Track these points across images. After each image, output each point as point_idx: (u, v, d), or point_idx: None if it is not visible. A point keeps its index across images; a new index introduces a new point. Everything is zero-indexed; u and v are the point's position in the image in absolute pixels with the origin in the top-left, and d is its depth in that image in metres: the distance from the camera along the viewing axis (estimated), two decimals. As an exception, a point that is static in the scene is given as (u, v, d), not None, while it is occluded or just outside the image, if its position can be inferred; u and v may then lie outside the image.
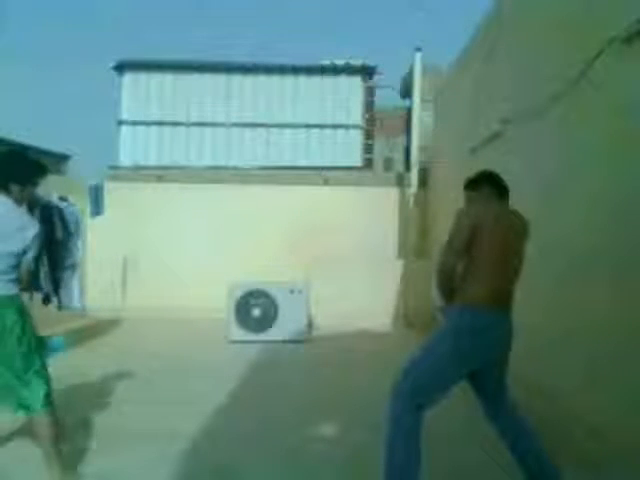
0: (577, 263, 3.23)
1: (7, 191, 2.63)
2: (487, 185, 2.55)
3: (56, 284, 5.26)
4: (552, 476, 2.33)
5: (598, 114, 3.06)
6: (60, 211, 5.30)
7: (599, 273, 2.97)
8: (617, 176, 2.84)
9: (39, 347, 2.64)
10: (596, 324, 2.96)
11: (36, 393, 2.53)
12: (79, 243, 5.68)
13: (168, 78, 9.72)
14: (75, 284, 5.58)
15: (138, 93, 9.73)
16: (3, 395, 2.57)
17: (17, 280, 2.58)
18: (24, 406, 2.55)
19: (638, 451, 2.51)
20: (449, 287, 2.38)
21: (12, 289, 2.54)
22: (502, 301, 2.35)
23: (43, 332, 6.26)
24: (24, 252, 2.58)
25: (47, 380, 2.59)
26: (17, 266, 2.57)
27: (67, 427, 2.95)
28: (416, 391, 2.27)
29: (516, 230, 2.43)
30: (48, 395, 2.56)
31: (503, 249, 2.33)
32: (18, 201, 2.68)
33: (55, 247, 5.13)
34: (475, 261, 2.32)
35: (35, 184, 2.77)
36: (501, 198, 2.54)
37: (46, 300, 5.22)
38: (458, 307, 2.35)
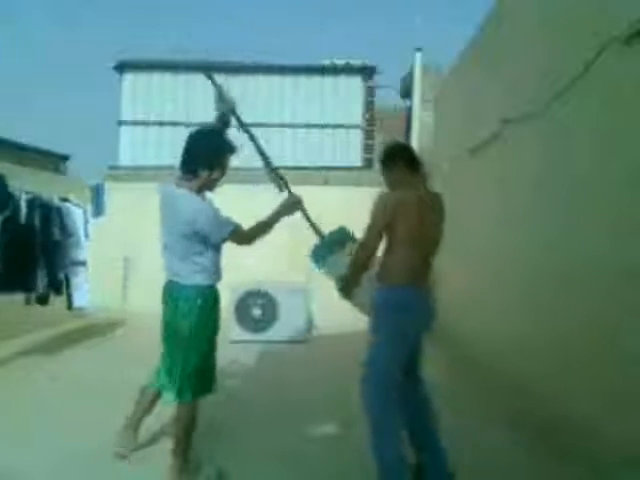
0: (576, 263, 3.23)
1: (195, 176, 2.53)
2: (401, 160, 2.67)
3: (57, 284, 5.27)
4: (439, 456, 2.54)
5: (597, 114, 3.06)
6: (59, 211, 5.30)
7: (603, 273, 2.97)
8: (616, 174, 2.84)
9: (201, 340, 2.59)
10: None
11: (176, 383, 2.57)
12: (84, 243, 5.70)
13: (168, 78, 9.71)
14: (84, 284, 5.61)
15: (138, 93, 9.72)
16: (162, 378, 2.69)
17: (203, 269, 2.53)
18: (165, 391, 2.66)
19: (635, 449, 2.51)
20: (365, 268, 2.54)
21: (194, 279, 2.53)
22: (421, 280, 2.55)
23: (43, 333, 6.28)
24: (205, 241, 2.49)
25: (192, 375, 2.56)
26: (202, 256, 2.52)
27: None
28: (382, 378, 2.46)
29: (434, 211, 2.59)
30: (187, 389, 2.56)
31: (422, 231, 2.48)
32: (205, 187, 2.59)
33: (54, 247, 5.14)
34: (395, 244, 2.48)
35: (224, 167, 2.61)
36: (415, 171, 2.66)
37: (43, 300, 5.22)
38: (383, 289, 2.53)
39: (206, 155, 2.55)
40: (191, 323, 2.52)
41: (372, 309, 2.57)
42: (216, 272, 2.66)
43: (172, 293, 2.58)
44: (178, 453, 2.63)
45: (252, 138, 2.90)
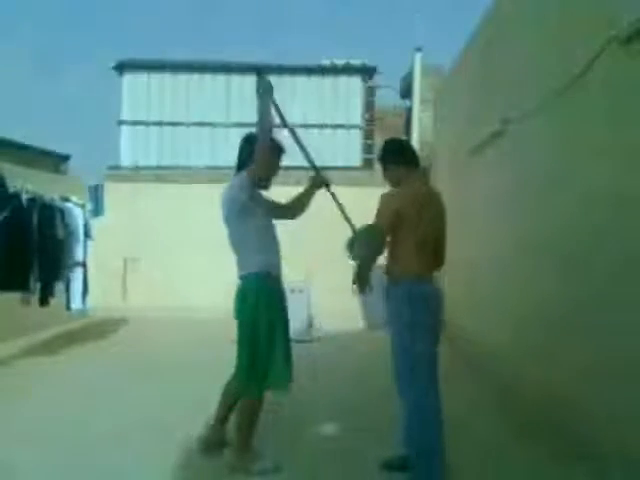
0: (574, 262, 3.23)
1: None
2: (400, 156, 2.74)
3: (52, 285, 5.26)
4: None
5: (597, 113, 3.06)
6: (58, 211, 5.30)
7: (600, 270, 2.97)
8: (615, 175, 2.84)
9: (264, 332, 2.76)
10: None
11: (245, 375, 2.71)
12: (82, 243, 5.70)
13: (168, 78, 9.71)
14: (79, 286, 5.61)
15: (138, 93, 9.72)
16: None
17: (255, 260, 2.84)
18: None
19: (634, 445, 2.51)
20: (374, 263, 2.58)
21: (249, 268, 2.83)
22: (431, 272, 2.67)
23: (43, 333, 6.27)
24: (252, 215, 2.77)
25: (254, 367, 2.70)
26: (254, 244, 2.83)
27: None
28: (418, 375, 2.47)
29: (439, 207, 2.68)
30: (253, 380, 2.70)
31: (432, 226, 2.58)
32: (258, 185, 2.92)
33: (52, 247, 5.13)
34: (407, 241, 2.52)
35: (272, 165, 2.99)
36: (414, 167, 2.73)
37: (44, 301, 5.22)
38: (403, 282, 2.55)
39: (249, 151, 2.85)
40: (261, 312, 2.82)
41: (398, 304, 2.57)
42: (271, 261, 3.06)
43: (251, 286, 2.81)
44: (240, 438, 2.73)
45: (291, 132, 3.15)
